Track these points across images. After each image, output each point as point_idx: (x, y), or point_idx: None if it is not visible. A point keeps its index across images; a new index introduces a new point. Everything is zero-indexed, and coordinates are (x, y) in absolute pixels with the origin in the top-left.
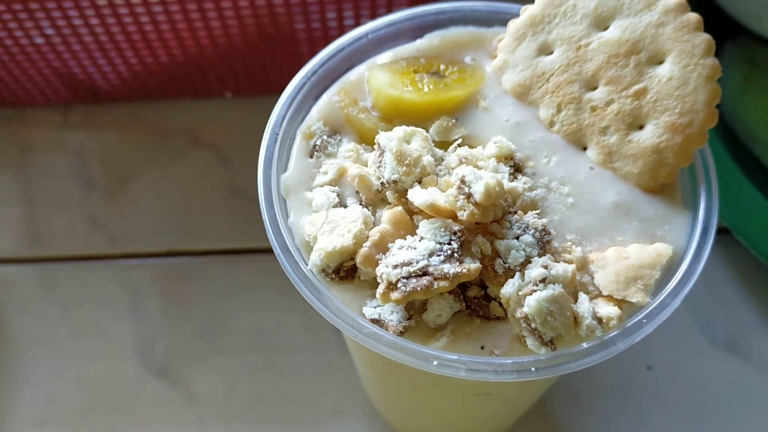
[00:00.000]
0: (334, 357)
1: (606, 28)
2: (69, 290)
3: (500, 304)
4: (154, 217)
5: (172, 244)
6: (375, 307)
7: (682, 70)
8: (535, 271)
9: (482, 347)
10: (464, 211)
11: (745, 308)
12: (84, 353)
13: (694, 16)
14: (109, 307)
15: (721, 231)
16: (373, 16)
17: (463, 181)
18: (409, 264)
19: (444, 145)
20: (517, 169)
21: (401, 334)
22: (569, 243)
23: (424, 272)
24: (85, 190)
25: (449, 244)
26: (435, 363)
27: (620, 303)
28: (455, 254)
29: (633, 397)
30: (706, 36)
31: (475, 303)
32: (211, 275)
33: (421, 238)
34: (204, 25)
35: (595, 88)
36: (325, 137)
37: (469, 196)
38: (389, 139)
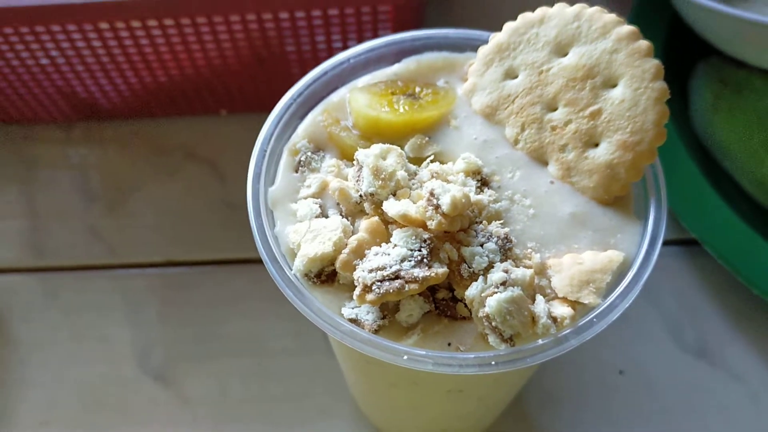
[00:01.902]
0: (322, 361)
1: (565, 55)
2: (70, 298)
3: (465, 305)
4: (152, 228)
5: (169, 255)
6: (353, 308)
7: (633, 92)
8: (496, 275)
9: (449, 344)
10: (433, 220)
11: (715, 316)
12: (84, 358)
13: (644, 44)
14: (109, 314)
15: (692, 242)
16: (360, 39)
17: (432, 194)
18: (383, 269)
19: (418, 161)
20: (483, 183)
21: (376, 332)
22: (529, 250)
23: (396, 276)
24: (86, 203)
25: (419, 250)
26: (405, 357)
27: (574, 304)
28: (425, 260)
29: (606, 400)
30: (656, 61)
31: (443, 304)
32: (205, 284)
33: (395, 245)
34: (200, 47)
35: (555, 109)
36: (309, 153)
37: (437, 207)
38: (367, 155)
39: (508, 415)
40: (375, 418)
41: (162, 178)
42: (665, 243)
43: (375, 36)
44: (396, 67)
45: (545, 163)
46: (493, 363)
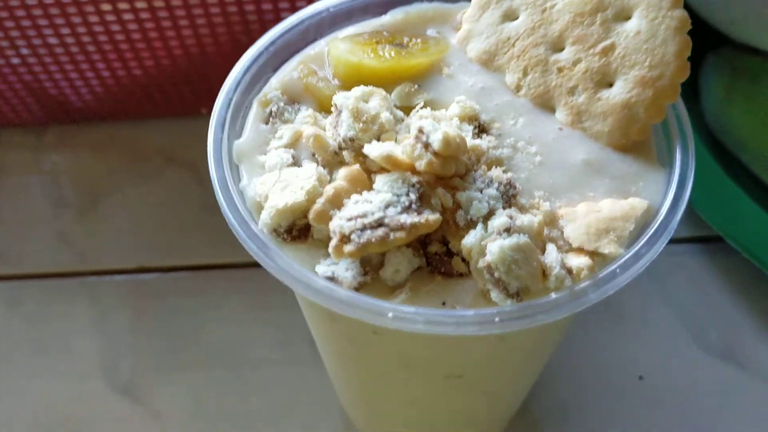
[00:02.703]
0: (307, 372)
1: None
2: (34, 308)
3: (463, 259)
4: (126, 234)
5: (142, 261)
6: (329, 265)
7: (649, 23)
8: (498, 220)
9: (443, 303)
10: (422, 160)
11: (740, 315)
12: (46, 371)
13: None
14: (75, 324)
15: (712, 239)
16: None
17: (420, 131)
18: (363, 216)
19: (406, 111)
20: (482, 130)
21: (356, 290)
22: (537, 199)
23: (379, 224)
24: (56, 210)
25: (407, 195)
26: (390, 315)
27: (591, 255)
28: (413, 205)
29: (624, 409)
30: None
31: (437, 259)
32: (181, 291)
33: (378, 191)
34: (176, 34)
35: (561, 49)
36: (281, 104)
37: (427, 145)
38: (346, 97)
39: (517, 424)
40: (365, 424)
41: (138, 182)
42: (684, 241)
43: None
44: (382, 19)
45: (552, 110)
46: (497, 320)
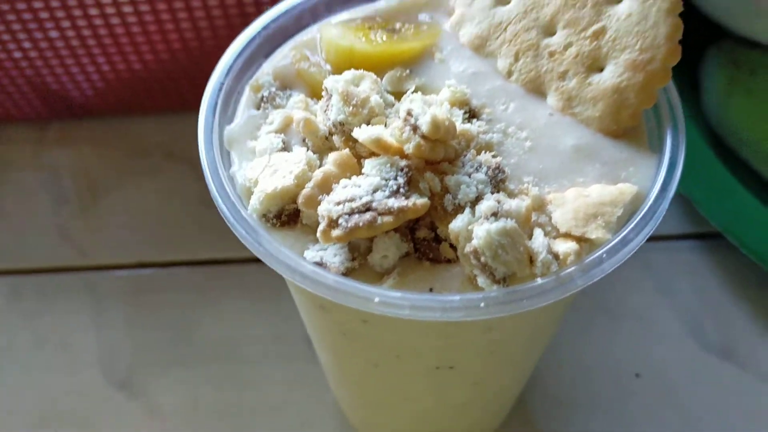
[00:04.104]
0: (304, 368)
1: None
2: (33, 302)
3: (451, 245)
4: (125, 229)
5: (140, 256)
6: (317, 251)
7: (641, 5)
8: (485, 204)
9: (431, 289)
10: (411, 143)
11: (740, 312)
12: (44, 365)
13: None
14: (74, 318)
15: (711, 235)
16: None
17: (409, 113)
18: (351, 200)
19: (397, 96)
20: (472, 115)
21: (344, 275)
22: (526, 185)
23: (367, 208)
24: (56, 205)
25: (395, 179)
26: (377, 300)
27: (579, 240)
28: (401, 189)
29: (621, 406)
30: None
31: (425, 245)
32: (179, 286)
33: (367, 176)
34: (175, 27)
35: (553, 33)
36: (273, 89)
37: (415, 128)
38: (336, 80)
39: (511, 422)
40: (359, 419)
41: (139, 178)
42: (682, 237)
43: None
44: (376, 4)
45: (543, 95)
46: (482, 305)
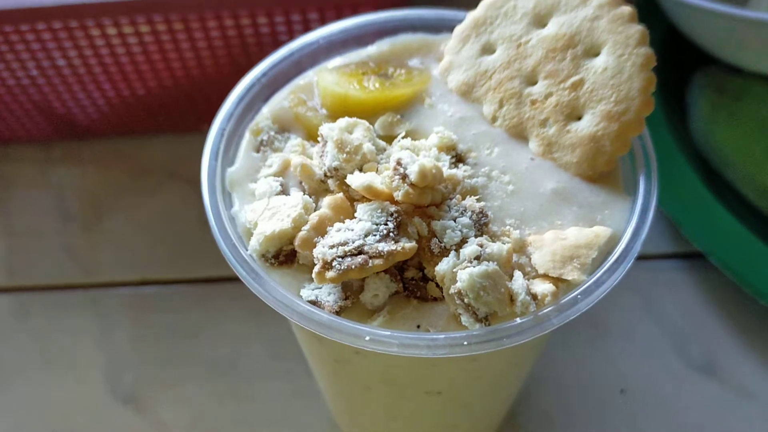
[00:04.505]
0: (302, 384)
1: (544, 25)
2: (41, 319)
3: (437, 284)
4: (129, 248)
5: (144, 274)
6: (312, 290)
7: (617, 59)
8: (469, 248)
9: (418, 326)
10: (400, 191)
11: (722, 330)
12: (52, 381)
13: (627, 9)
14: (80, 335)
15: (694, 256)
16: None
17: (399, 163)
18: (345, 244)
19: (389, 140)
20: (459, 160)
21: (337, 313)
22: (508, 227)
23: (359, 251)
24: (62, 223)
25: (385, 224)
26: (368, 338)
27: (556, 281)
28: (391, 233)
29: (606, 422)
30: (640, 27)
31: (413, 284)
32: (181, 304)
33: (359, 220)
34: (178, 56)
35: (534, 83)
36: (272, 133)
37: (404, 177)
38: (331, 128)
39: None
40: None
41: (142, 197)
42: (668, 256)
43: None
44: (369, 49)
45: (525, 140)
46: (465, 343)
